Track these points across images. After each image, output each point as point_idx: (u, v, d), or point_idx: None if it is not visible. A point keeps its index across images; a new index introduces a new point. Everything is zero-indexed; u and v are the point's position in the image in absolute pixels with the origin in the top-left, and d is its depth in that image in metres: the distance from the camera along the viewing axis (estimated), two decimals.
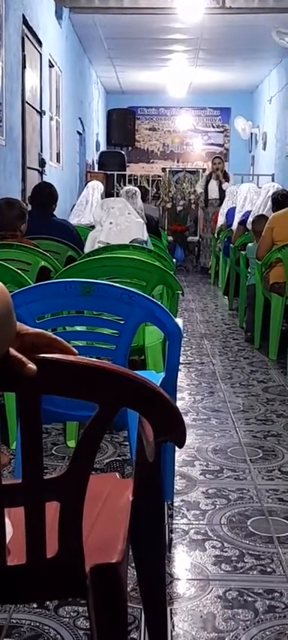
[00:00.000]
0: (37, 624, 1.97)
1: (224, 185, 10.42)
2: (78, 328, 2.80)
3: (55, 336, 1.17)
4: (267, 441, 3.48)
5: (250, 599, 2.09)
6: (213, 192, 10.68)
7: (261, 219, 6.00)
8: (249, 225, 6.93)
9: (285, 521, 2.61)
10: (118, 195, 7.74)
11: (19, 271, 3.43)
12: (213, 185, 10.75)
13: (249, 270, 6.12)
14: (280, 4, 8.77)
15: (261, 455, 3.29)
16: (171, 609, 2.04)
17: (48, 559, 1.22)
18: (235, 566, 2.28)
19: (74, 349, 1.16)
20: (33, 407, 1.13)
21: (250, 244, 6.18)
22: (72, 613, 2.01)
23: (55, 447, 3.31)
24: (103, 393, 1.14)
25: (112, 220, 4.09)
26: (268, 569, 2.26)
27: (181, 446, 1.23)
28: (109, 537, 1.35)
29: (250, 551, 2.37)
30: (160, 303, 2.59)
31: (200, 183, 11.27)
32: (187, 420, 3.74)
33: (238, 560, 2.31)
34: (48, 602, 2.03)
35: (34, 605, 2.03)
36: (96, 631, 1.26)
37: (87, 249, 4.26)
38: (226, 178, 10.71)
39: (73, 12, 9.42)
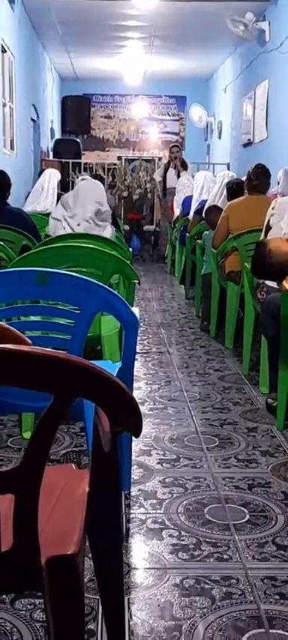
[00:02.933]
0: None
1: (182, 174, 10.43)
2: (33, 318, 2.76)
3: (7, 326, 1.15)
4: (223, 429, 3.51)
5: (207, 586, 2.10)
6: (171, 181, 10.66)
7: (213, 209, 6.04)
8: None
9: (241, 508, 2.63)
10: (73, 184, 7.68)
11: None
12: (171, 174, 10.75)
13: (204, 259, 6.14)
14: None
15: (217, 443, 3.31)
16: (128, 599, 2.03)
17: (3, 552, 1.19)
18: (192, 554, 2.29)
19: (27, 339, 1.14)
20: None
21: (206, 232, 6.20)
22: (28, 606, 1.99)
23: (11, 438, 3.27)
24: (57, 384, 1.12)
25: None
26: (225, 557, 2.28)
27: (137, 435, 1.22)
28: (65, 529, 1.33)
29: (206, 539, 2.38)
30: (116, 292, 2.57)
31: (158, 171, 11.26)
32: (143, 409, 3.73)
33: (195, 548, 2.32)
34: (4, 596, 2.00)
35: None
36: (52, 623, 1.24)
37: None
38: (185, 167, 10.72)
39: None
